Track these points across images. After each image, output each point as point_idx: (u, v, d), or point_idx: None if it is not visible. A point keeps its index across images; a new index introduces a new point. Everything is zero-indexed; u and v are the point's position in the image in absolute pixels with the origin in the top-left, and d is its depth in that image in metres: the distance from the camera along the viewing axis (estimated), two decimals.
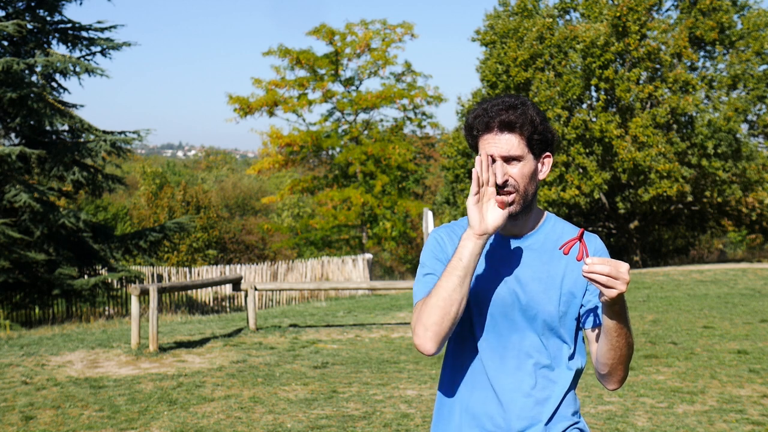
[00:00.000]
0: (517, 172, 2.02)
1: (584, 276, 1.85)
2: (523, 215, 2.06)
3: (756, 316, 10.66)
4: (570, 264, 2.06)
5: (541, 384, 2.06)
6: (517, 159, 2.02)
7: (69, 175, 17.16)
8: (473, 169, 1.94)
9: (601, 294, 1.88)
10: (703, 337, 9.20)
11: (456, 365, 2.12)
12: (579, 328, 2.11)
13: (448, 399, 2.14)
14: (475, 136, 2.06)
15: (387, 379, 7.37)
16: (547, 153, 2.09)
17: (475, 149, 2.10)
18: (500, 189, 2.01)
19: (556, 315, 2.05)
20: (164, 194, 35.51)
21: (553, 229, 2.13)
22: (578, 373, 2.14)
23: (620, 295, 1.88)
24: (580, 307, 2.08)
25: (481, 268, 2.08)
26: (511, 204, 2.01)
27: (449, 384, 2.14)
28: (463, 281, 1.94)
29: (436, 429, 2.17)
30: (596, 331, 2.06)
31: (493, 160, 2.02)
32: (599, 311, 2.04)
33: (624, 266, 1.85)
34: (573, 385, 2.12)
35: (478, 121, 2.04)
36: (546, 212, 2.16)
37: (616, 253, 24.47)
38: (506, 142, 2.01)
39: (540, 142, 2.05)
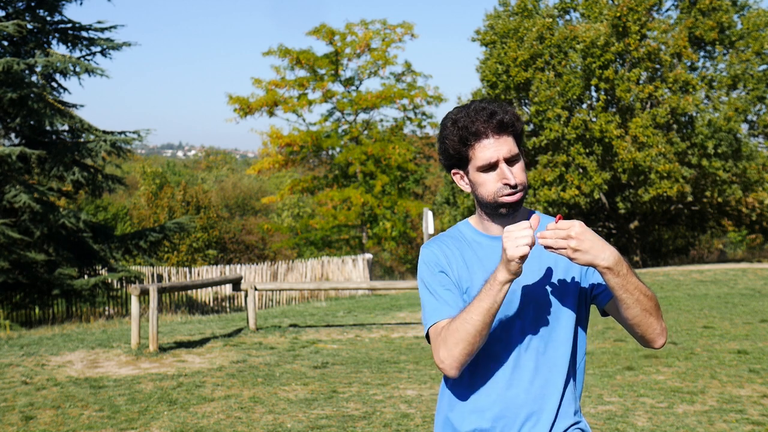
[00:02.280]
0: (518, 170, 2.05)
1: (540, 244, 1.91)
2: (517, 211, 2.09)
3: (756, 316, 10.66)
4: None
5: (540, 378, 2.06)
6: (516, 158, 2.06)
7: (69, 175, 17.16)
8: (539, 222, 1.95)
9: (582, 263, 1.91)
10: (703, 337, 9.20)
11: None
12: (580, 320, 2.12)
13: (447, 402, 2.16)
14: (469, 146, 2.05)
15: (387, 379, 7.37)
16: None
17: (462, 161, 2.08)
18: (513, 190, 2.04)
19: (553, 308, 2.07)
20: (164, 194, 35.52)
21: (540, 225, 2.13)
22: (578, 367, 2.14)
23: (605, 263, 1.89)
24: (591, 289, 2.09)
25: (475, 271, 2.10)
26: (520, 202, 2.06)
27: (449, 387, 2.16)
28: (493, 319, 1.97)
29: (438, 422, 2.19)
30: (612, 302, 2.05)
31: (495, 166, 2.04)
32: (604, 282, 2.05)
33: (572, 226, 1.88)
34: (574, 379, 2.12)
35: (472, 129, 2.03)
36: (533, 211, 2.18)
37: None
38: (505, 143, 2.04)
39: (522, 137, 2.11)
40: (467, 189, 2.13)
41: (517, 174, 2.04)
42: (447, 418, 2.16)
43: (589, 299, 2.12)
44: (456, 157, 2.08)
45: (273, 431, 5.65)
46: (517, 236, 1.89)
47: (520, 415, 2.05)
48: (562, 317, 2.08)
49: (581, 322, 2.12)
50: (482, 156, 2.03)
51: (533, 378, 2.06)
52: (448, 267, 2.11)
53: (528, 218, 2.14)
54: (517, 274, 1.92)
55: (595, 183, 21.66)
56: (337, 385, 7.12)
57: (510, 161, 2.04)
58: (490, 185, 2.05)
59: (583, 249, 1.87)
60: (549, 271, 2.08)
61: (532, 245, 1.90)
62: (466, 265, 2.11)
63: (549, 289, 2.07)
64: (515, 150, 2.05)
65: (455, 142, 2.06)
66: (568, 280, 2.08)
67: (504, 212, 2.06)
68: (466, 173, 2.10)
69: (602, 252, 1.89)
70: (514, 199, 2.04)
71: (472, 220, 2.19)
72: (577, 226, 1.88)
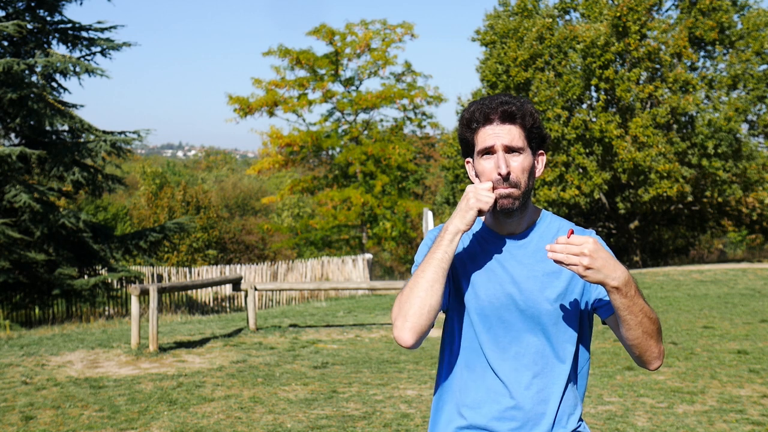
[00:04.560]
0: (518, 165, 2.01)
1: (550, 258, 1.88)
2: (520, 213, 2.05)
3: (756, 316, 10.66)
4: None
5: (538, 384, 2.03)
6: (518, 151, 2.01)
7: (69, 175, 17.16)
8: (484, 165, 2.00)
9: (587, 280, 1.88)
10: (703, 337, 9.20)
11: (451, 367, 2.11)
12: (583, 326, 2.09)
13: (445, 400, 2.12)
14: (473, 129, 2.04)
15: (387, 379, 7.37)
16: (541, 151, 2.09)
17: (469, 147, 2.07)
18: (504, 181, 1.99)
19: (554, 313, 2.03)
20: (164, 194, 35.50)
21: (549, 227, 2.11)
22: (580, 373, 2.11)
23: (616, 282, 1.86)
24: (594, 301, 2.05)
25: (476, 267, 2.07)
26: (511, 198, 2.00)
27: (444, 386, 2.13)
28: (444, 274, 1.95)
29: (433, 429, 2.15)
30: (613, 316, 2.01)
31: (493, 151, 2.01)
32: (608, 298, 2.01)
33: (586, 243, 1.85)
34: (574, 384, 2.09)
35: (478, 113, 2.03)
36: (542, 210, 2.15)
37: (616, 253, 24.45)
38: (508, 132, 2.01)
39: (537, 137, 2.05)
40: (474, 178, 2.11)
41: (516, 168, 2.00)
42: (440, 414, 2.13)
43: (591, 307, 2.07)
44: (464, 142, 2.08)
45: (273, 431, 5.65)
46: (482, 191, 1.95)
47: (517, 419, 2.02)
48: (565, 322, 2.05)
49: (584, 327, 2.09)
50: (482, 140, 2.03)
51: (532, 382, 2.03)
52: None
53: (538, 217, 2.12)
54: (469, 226, 1.95)
55: (595, 183, 21.66)
56: (337, 385, 7.12)
57: (510, 151, 2.01)
58: (487, 173, 2.01)
59: (596, 267, 1.84)
60: (553, 274, 2.04)
61: (491, 206, 1.96)
62: (468, 257, 2.08)
63: (553, 292, 2.03)
64: (518, 143, 2.01)
65: (463, 126, 2.07)
66: (573, 285, 2.04)
67: (502, 214, 2.04)
68: (473, 161, 2.08)
69: (614, 271, 1.86)
70: (508, 202, 1.99)
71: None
72: (591, 243, 1.84)
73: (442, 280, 1.93)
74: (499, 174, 1.99)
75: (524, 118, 2.02)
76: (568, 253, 1.85)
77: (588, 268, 1.84)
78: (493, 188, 2.00)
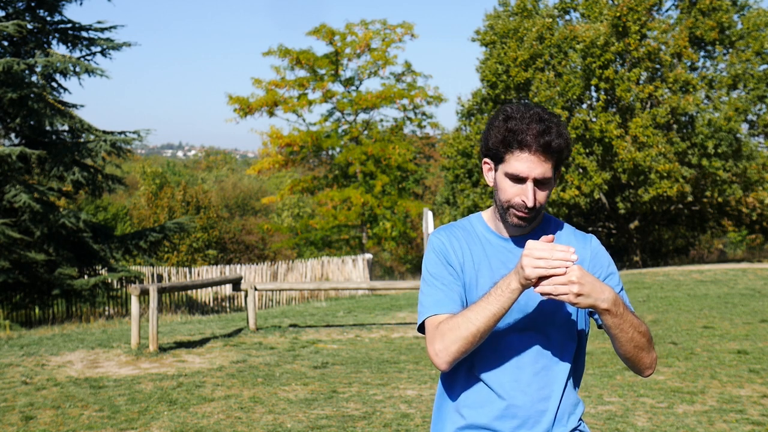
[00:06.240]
0: (543, 195, 2.01)
1: (537, 292, 1.88)
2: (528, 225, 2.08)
3: (756, 316, 10.65)
4: None
5: (539, 383, 2.05)
6: (547, 182, 2.00)
7: (69, 175, 17.16)
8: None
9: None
10: (703, 337, 9.20)
11: (455, 366, 2.11)
12: (581, 326, 2.11)
13: (446, 399, 2.14)
14: (509, 149, 1.99)
15: (387, 379, 7.37)
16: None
17: (497, 156, 2.03)
18: (528, 211, 2.00)
19: (555, 313, 2.06)
20: (164, 194, 35.50)
21: (552, 230, 2.14)
22: (579, 372, 2.14)
23: (606, 304, 1.89)
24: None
25: (480, 269, 2.08)
26: (527, 220, 2.02)
27: (448, 384, 2.14)
28: (496, 324, 1.95)
29: (435, 429, 2.17)
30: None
31: (522, 180, 1.99)
32: None
33: (573, 271, 1.84)
34: (574, 383, 2.12)
35: (519, 137, 1.97)
36: (544, 213, 2.16)
37: (616, 253, 24.47)
38: (542, 166, 1.97)
39: (563, 161, 2.04)
40: (490, 183, 2.09)
41: (539, 198, 1.99)
42: (442, 413, 2.14)
43: (588, 310, 2.10)
44: (493, 151, 2.04)
45: (273, 431, 5.65)
46: (537, 256, 1.85)
47: (518, 417, 2.04)
48: (565, 322, 2.07)
49: (583, 327, 2.12)
50: (515, 165, 1.98)
51: (533, 382, 2.04)
52: (454, 258, 2.08)
53: (541, 220, 2.13)
54: (528, 286, 1.90)
55: (595, 183, 21.66)
56: (337, 385, 7.12)
57: (540, 183, 1.99)
58: (509, 194, 2.01)
59: (585, 293, 1.85)
60: None
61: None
62: (473, 261, 2.08)
63: None
64: (549, 174, 1.99)
65: (498, 140, 2.01)
66: None
67: (512, 225, 2.05)
68: (495, 170, 2.06)
69: (602, 293, 1.88)
70: (523, 223, 2.02)
71: (486, 215, 2.16)
72: (576, 270, 1.85)
73: (490, 331, 1.95)
74: (525, 204, 1.99)
75: (561, 153, 1.99)
76: (555, 285, 1.85)
77: (579, 295, 1.85)
78: (511, 207, 2.01)
